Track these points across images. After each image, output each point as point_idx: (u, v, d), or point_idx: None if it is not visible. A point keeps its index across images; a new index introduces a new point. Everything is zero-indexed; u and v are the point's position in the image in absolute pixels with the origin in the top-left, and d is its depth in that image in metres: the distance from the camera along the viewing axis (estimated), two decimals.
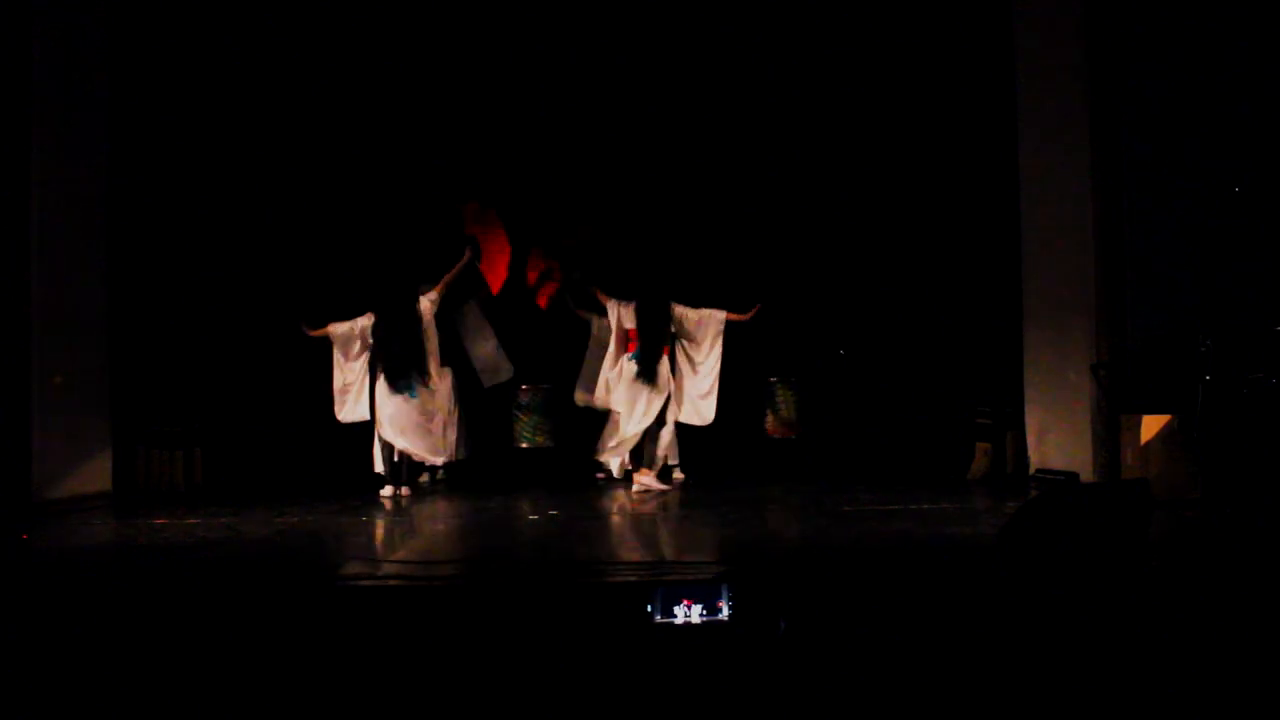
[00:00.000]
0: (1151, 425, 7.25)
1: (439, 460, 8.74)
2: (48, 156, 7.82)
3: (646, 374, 8.44)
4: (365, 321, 8.37)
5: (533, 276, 9.50)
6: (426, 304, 8.37)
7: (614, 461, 9.00)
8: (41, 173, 7.76)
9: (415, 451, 8.39)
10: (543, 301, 9.53)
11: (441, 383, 8.70)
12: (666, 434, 8.59)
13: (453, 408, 8.95)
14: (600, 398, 8.62)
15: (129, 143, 8.53)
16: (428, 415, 8.38)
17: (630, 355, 8.51)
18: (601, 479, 9.08)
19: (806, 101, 9.80)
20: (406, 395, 8.26)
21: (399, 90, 9.71)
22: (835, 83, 9.70)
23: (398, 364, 8.25)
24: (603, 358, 8.73)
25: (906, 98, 9.48)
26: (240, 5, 9.17)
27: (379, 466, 8.40)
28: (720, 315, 8.58)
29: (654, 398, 8.46)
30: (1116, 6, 7.70)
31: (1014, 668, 4.22)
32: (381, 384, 8.30)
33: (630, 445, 8.63)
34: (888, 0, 9.49)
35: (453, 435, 8.93)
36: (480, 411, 9.38)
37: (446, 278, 8.56)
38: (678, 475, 8.94)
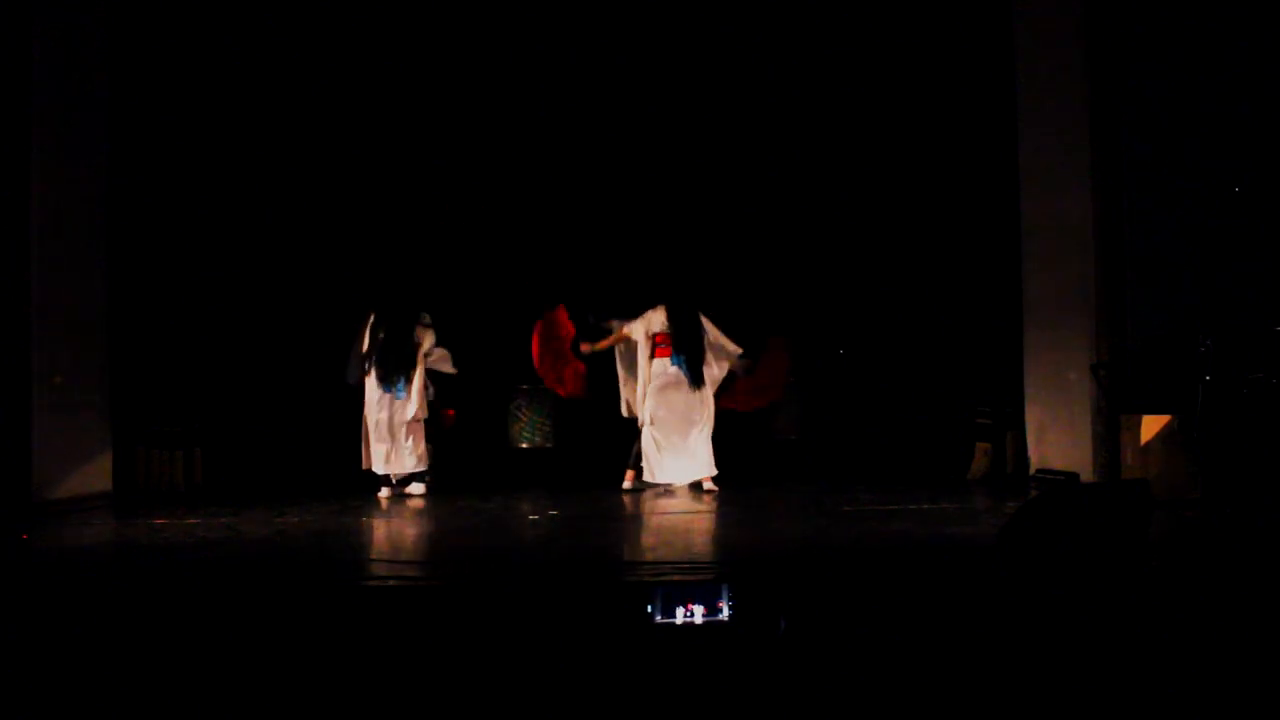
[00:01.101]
0: (1151, 425, 7.25)
1: (416, 469, 8.70)
2: (48, 156, 7.81)
3: (694, 376, 8.31)
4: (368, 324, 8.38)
5: (539, 363, 8.70)
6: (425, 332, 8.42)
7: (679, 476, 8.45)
8: (41, 173, 7.75)
9: (392, 467, 8.36)
10: (575, 387, 8.71)
11: (428, 389, 8.71)
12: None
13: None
14: (638, 409, 8.46)
15: (129, 143, 8.52)
16: (402, 424, 8.37)
17: (672, 359, 8.33)
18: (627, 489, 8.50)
19: (806, 101, 9.81)
20: (394, 395, 8.28)
21: (398, 90, 9.72)
22: (835, 83, 9.71)
23: (391, 362, 8.27)
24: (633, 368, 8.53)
25: (907, 98, 9.48)
26: (240, 5, 9.17)
27: (376, 466, 8.38)
28: (735, 351, 8.44)
29: (702, 399, 8.37)
30: (1116, 6, 7.69)
31: (1014, 668, 4.22)
32: (372, 385, 8.31)
33: (707, 456, 8.35)
34: (888, 0, 9.50)
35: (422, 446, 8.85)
36: (479, 411, 9.38)
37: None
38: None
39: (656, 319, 8.42)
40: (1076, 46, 7.83)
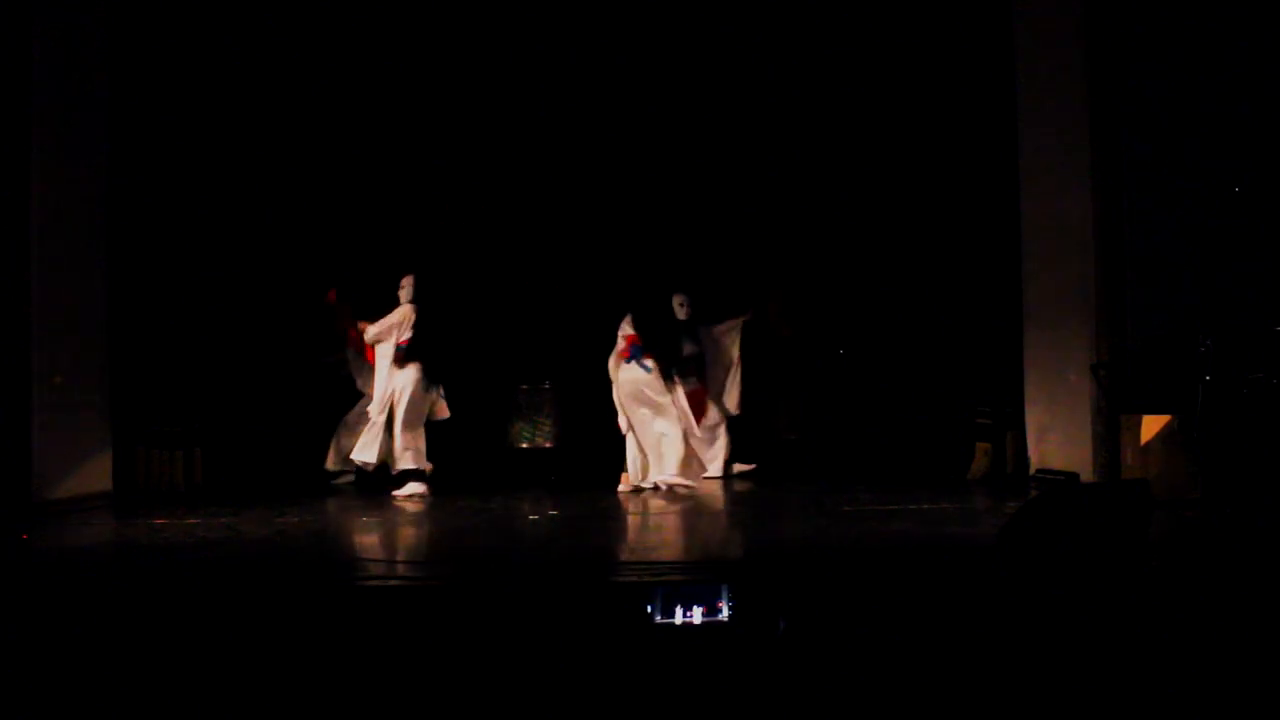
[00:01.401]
0: (1151, 425, 7.25)
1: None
2: (48, 156, 7.81)
3: (664, 373, 8.43)
4: (400, 318, 8.41)
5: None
6: None
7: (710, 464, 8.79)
8: (41, 173, 7.75)
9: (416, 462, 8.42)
10: None
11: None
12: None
13: None
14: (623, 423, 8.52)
15: (129, 143, 8.52)
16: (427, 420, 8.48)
17: (628, 359, 8.40)
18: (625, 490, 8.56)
19: (806, 101, 9.81)
20: (437, 393, 8.42)
21: (398, 91, 9.72)
22: (835, 83, 9.71)
23: (437, 360, 8.39)
24: None
25: (907, 98, 9.48)
26: (240, 5, 9.17)
27: (413, 462, 8.35)
28: (737, 321, 8.76)
29: (674, 397, 8.42)
30: (1116, 6, 7.69)
31: (1014, 668, 4.22)
32: (417, 377, 8.29)
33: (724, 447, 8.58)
34: (888, 1, 9.50)
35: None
36: (479, 411, 9.37)
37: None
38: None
39: (626, 328, 8.51)
40: (1076, 46, 7.82)
